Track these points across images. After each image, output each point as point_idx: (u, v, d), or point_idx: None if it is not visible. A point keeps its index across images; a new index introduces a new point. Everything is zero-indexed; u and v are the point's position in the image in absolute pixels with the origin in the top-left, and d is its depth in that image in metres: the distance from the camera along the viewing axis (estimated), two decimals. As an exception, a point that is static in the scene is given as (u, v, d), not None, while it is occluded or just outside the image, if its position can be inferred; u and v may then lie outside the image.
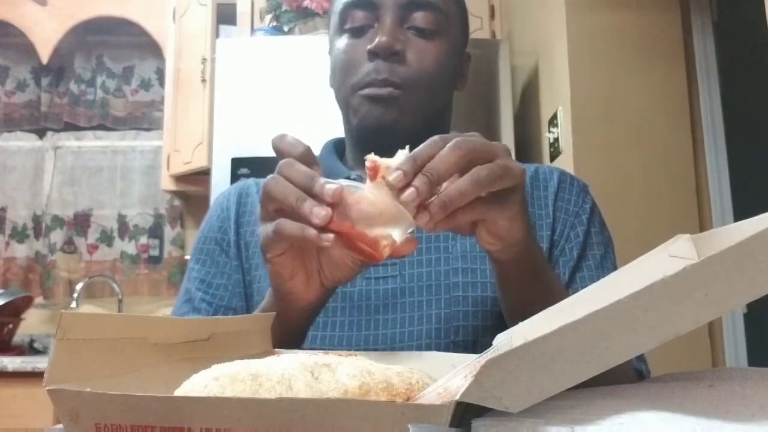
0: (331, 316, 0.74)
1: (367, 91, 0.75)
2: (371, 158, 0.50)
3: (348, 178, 0.76)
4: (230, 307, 0.79)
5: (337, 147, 0.88)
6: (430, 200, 0.49)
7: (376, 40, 0.74)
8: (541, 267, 0.64)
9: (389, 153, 0.62)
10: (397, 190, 0.49)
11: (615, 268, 0.77)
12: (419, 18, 0.76)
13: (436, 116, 0.79)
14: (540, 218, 0.78)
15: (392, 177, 0.48)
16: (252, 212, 0.82)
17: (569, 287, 0.74)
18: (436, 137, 0.51)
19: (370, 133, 0.76)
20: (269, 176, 0.54)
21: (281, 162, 0.54)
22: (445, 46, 0.77)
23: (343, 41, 0.78)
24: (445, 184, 0.50)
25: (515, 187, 0.53)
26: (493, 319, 0.72)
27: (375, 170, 0.50)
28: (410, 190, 0.48)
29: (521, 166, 0.53)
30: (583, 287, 0.70)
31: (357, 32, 0.77)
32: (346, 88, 0.77)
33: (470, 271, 0.74)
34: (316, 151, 0.90)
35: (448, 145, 0.50)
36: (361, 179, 0.78)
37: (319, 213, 0.49)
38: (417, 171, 0.48)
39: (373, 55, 0.74)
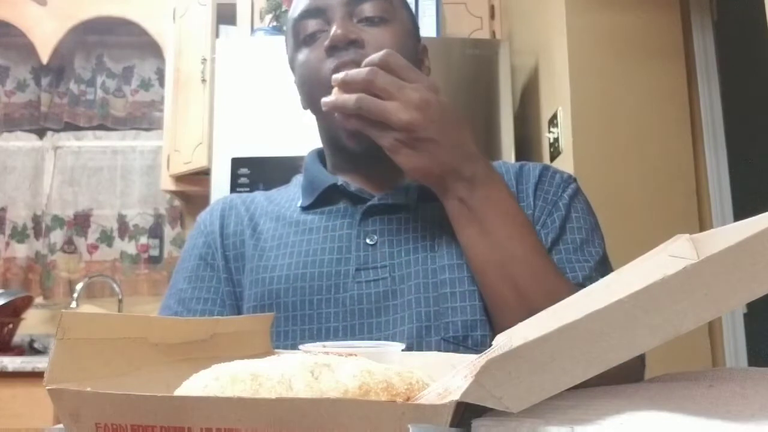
0: (325, 323, 0.74)
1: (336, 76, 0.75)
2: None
3: (335, 185, 0.82)
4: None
5: (320, 156, 0.90)
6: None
7: (331, 33, 0.76)
8: (507, 214, 0.69)
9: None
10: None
11: (601, 254, 0.78)
12: (366, 9, 0.79)
13: None
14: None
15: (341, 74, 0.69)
16: (236, 224, 0.84)
17: None
18: (379, 71, 0.67)
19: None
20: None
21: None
22: (398, 30, 0.81)
23: (302, 54, 0.81)
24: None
25: (390, 135, 0.67)
26: (481, 313, 0.73)
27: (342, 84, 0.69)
28: (342, 73, 0.68)
29: (410, 117, 0.65)
30: (559, 267, 0.73)
31: (312, 40, 0.80)
32: (315, 90, 0.78)
33: (457, 267, 0.74)
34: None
35: (384, 73, 0.67)
36: (346, 185, 0.80)
37: None
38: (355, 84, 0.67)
39: (332, 49, 0.76)
